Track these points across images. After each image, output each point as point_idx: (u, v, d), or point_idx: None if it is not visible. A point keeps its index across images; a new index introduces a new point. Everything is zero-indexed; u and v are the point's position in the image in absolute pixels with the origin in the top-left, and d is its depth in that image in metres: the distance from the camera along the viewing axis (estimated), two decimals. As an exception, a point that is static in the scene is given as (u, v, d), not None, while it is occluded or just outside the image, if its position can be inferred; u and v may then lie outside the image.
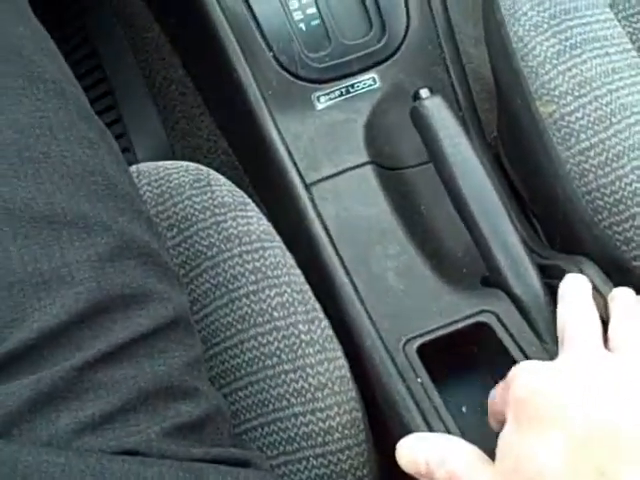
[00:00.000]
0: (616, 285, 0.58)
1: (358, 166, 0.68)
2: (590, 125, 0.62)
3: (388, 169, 0.70)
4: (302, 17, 0.73)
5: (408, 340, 0.58)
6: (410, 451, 0.49)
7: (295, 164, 0.68)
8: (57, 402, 0.43)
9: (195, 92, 1.03)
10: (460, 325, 0.58)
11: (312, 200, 0.67)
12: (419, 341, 0.58)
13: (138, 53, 1.06)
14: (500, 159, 0.83)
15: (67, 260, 0.46)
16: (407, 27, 0.73)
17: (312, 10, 0.73)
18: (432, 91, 0.65)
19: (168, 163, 0.63)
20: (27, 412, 0.43)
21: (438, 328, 0.58)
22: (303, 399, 0.56)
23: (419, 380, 0.56)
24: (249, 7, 0.72)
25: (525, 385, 0.45)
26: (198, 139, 1.03)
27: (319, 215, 0.66)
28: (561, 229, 0.69)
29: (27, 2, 0.54)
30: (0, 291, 0.44)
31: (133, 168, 0.62)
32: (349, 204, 0.66)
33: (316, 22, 0.73)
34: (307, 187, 0.67)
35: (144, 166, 0.64)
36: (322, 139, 0.70)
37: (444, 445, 0.48)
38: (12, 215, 0.45)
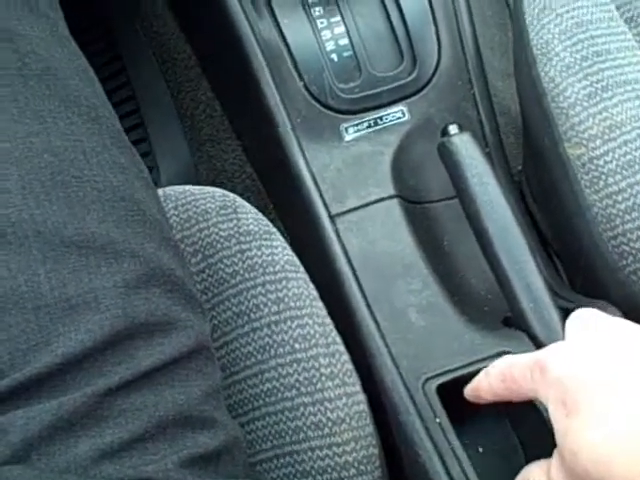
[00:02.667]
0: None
1: (383, 199, 0.68)
2: (619, 169, 0.61)
3: (413, 203, 0.70)
4: (334, 48, 0.73)
5: (428, 379, 0.58)
6: None
7: (321, 195, 0.68)
8: (77, 428, 0.43)
9: (222, 115, 1.03)
10: (480, 365, 0.58)
11: (336, 232, 0.67)
12: (439, 380, 0.58)
13: (167, 73, 1.06)
14: (523, 194, 0.83)
15: (94, 286, 0.46)
16: (438, 61, 0.73)
17: (344, 41, 0.73)
18: (461, 127, 0.66)
19: (195, 188, 0.63)
20: (47, 437, 0.43)
21: (458, 368, 0.58)
22: (320, 433, 0.56)
23: (437, 420, 0.56)
24: (282, 36, 0.72)
25: (567, 364, 0.43)
26: (223, 162, 1.03)
27: (343, 247, 0.66)
28: (584, 271, 0.69)
29: (65, 25, 0.55)
30: (27, 314, 0.44)
31: (160, 191, 0.62)
32: (373, 237, 0.66)
33: (348, 53, 0.73)
34: (332, 218, 0.67)
35: (170, 190, 0.64)
36: (349, 170, 0.70)
37: None
38: (43, 238, 0.45)
